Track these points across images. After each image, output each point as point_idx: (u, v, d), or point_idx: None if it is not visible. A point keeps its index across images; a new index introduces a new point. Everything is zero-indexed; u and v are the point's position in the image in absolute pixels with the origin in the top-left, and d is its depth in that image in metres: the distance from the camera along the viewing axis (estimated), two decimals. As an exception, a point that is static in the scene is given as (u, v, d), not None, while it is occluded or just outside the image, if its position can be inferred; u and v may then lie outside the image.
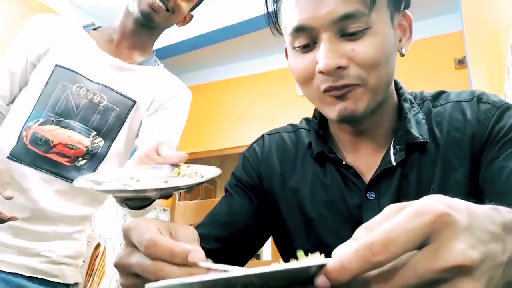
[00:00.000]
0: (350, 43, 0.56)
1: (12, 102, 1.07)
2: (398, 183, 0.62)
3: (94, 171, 1.05)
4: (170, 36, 3.75)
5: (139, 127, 1.10)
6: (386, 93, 0.62)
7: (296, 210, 0.68)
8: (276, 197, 0.71)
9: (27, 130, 1.00)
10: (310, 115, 0.76)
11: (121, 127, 1.07)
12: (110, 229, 3.51)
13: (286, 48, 0.66)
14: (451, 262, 0.26)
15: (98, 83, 1.05)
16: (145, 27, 1.08)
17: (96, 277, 1.57)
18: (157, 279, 0.35)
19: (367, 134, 0.65)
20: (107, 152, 1.06)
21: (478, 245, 0.27)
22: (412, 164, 0.62)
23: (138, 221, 0.41)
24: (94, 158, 1.05)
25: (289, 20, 0.60)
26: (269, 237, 0.76)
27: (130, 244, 0.41)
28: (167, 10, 1.04)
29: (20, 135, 1.00)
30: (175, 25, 1.14)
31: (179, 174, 0.55)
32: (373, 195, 0.62)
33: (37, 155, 1.00)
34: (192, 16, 1.16)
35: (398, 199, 0.61)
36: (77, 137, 1.02)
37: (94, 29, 1.14)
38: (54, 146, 1.01)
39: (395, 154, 0.62)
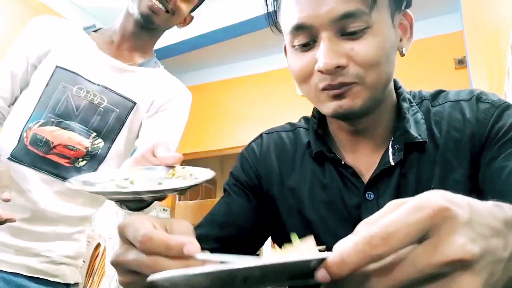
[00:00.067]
0: (350, 43, 0.55)
1: (13, 103, 1.07)
2: (397, 183, 0.61)
3: (94, 172, 1.06)
4: (170, 36, 3.75)
5: (139, 128, 1.10)
6: (384, 92, 0.62)
7: (294, 209, 0.68)
8: (275, 197, 0.71)
9: (28, 131, 1.00)
10: (310, 115, 0.75)
11: (121, 128, 1.07)
12: (110, 229, 3.50)
13: (285, 47, 0.65)
14: (450, 256, 0.26)
15: (98, 85, 1.05)
16: (145, 29, 1.08)
17: (96, 277, 1.57)
18: None
19: (366, 134, 0.65)
20: (107, 153, 1.06)
21: (478, 240, 0.27)
22: (411, 164, 0.62)
23: (132, 218, 0.41)
24: (94, 159, 1.05)
25: (288, 18, 0.59)
26: (268, 237, 0.75)
27: (126, 241, 0.41)
28: (167, 11, 1.03)
29: (20, 136, 1.00)
30: (175, 26, 1.14)
31: (173, 175, 0.55)
32: (372, 196, 0.62)
33: (37, 156, 1.00)
34: (192, 17, 1.16)
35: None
36: (77, 138, 1.02)
37: (94, 31, 1.14)
38: (54, 147, 1.01)
39: (393, 154, 0.62)
